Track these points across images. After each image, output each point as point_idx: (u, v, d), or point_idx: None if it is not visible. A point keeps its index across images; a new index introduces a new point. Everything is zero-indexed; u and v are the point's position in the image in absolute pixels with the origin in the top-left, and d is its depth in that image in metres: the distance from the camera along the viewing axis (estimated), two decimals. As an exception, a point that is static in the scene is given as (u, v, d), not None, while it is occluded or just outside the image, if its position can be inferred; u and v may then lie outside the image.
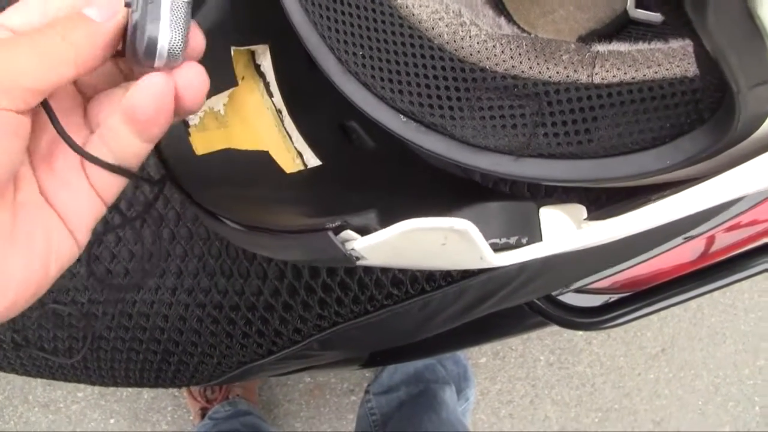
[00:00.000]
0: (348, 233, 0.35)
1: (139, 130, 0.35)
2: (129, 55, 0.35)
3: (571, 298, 0.76)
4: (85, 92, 0.38)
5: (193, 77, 0.35)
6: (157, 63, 0.34)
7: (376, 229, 0.35)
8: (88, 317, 0.66)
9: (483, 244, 0.33)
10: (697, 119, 0.34)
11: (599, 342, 1.72)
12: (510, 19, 0.47)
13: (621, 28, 0.49)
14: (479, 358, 1.70)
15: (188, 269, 0.63)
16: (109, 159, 0.36)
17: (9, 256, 0.33)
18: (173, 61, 0.35)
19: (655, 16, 0.48)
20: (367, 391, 1.38)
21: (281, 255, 0.48)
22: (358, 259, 0.37)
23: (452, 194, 0.49)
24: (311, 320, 0.62)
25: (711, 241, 0.80)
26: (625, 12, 0.49)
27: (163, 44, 0.34)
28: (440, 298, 0.60)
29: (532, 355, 1.72)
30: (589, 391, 1.72)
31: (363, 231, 0.35)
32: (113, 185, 0.37)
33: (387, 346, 0.77)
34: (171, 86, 0.35)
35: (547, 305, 0.72)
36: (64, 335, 0.68)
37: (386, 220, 0.35)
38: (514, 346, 1.71)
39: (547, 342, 1.73)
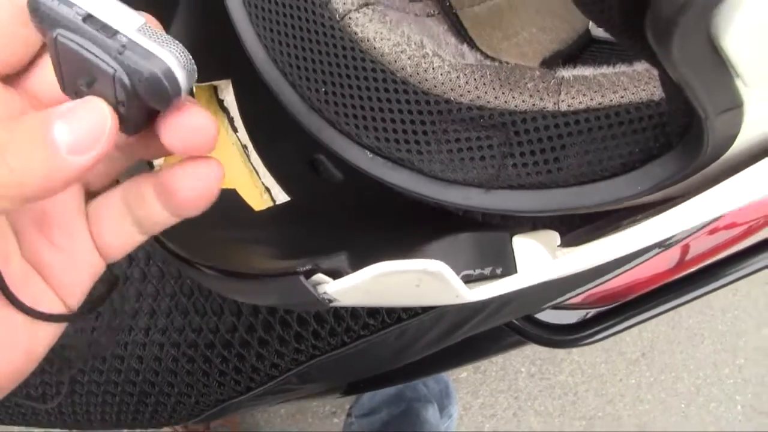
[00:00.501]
0: (319, 276, 0.35)
1: (175, 208, 0.31)
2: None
3: (547, 315, 0.76)
4: None
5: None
6: (174, 102, 0.28)
7: (347, 272, 0.34)
8: (62, 361, 0.65)
9: (457, 283, 0.33)
10: (666, 144, 0.34)
11: (579, 350, 1.72)
12: (473, 45, 0.47)
13: (584, 47, 0.49)
14: (460, 372, 1.69)
15: (161, 308, 0.62)
16: (126, 219, 0.32)
17: None
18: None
19: (617, 35, 0.48)
20: (349, 414, 1.37)
21: (255, 299, 0.47)
22: (330, 302, 0.36)
23: (423, 225, 0.48)
24: (288, 354, 0.61)
25: (686, 249, 0.80)
26: (588, 31, 0.49)
27: (181, 75, 0.27)
28: (417, 325, 0.59)
29: (513, 367, 1.72)
30: (572, 400, 1.72)
31: (334, 274, 0.34)
32: (125, 241, 0.33)
33: (366, 375, 0.76)
34: (222, 172, 0.30)
35: (525, 325, 0.72)
36: (36, 381, 0.67)
37: (357, 262, 0.34)
38: (494, 359, 1.70)
39: (527, 353, 1.73)
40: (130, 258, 0.62)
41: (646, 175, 0.34)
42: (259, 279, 0.37)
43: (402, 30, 0.38)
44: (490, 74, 0.36)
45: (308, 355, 0.61)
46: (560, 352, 1.72)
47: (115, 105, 0.28)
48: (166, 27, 0.49)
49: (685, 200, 0.34)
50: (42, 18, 0.28)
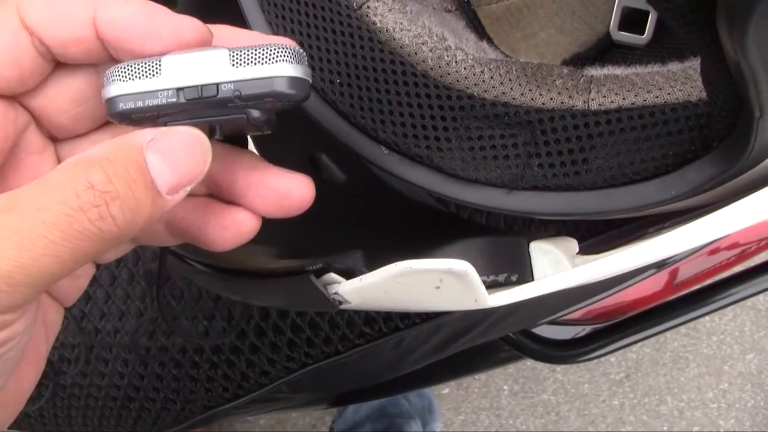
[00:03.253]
0: (331, 276, 0.33)
1: (200, 243, 0.31)
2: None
3: (544, 330, 0.74)
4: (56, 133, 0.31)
5: None
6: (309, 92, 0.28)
7: (362, 272, 0.32)
8: (48, 364, 0.62)
9: (480, 286, 0.31)
10: (702, 147, 0.32)
11: (563, 369, 1.70)
12: (491, 43, 0.45)
13: (604, 51, 0.47)
14: (442, 388, 1.67)
15: (148, 311, 0.60)
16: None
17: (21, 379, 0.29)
18: None
19: (638, 39, 0.46)
20: (331, 429, 1.35)
21: (256, 300, 0.44)
22: (340, 303, 0.34)
23: (431, 228, 0.46)
24: (280, 362, 0.59)
25: (674, 273, 0.79)
26: (608, 35, 0.47)
27: (299, 70, 0.28)
28: (414, 335, 0.58)
29: (495, 385, 1.70)
30: (554, 419, 1.70)
31: (348, 273, 0.32)
32: (119, 248, 0.33)
33: (359, 385, 0.74)
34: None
35: (522, 339, 0.70)
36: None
37: (372, 261, 0.33)
38: (477, 375, 1.68)
39: (510, 370, 1.71)
40: (119, 259, 0.60)
41: (681, 178, 0.32)
42: (264, 278, 0.35)
43: (423, 21, 0.36)
44: (516, 70, 0.35)
45: (300, 363, 0.59)
46: (544, 371, 1.70)
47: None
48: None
49: (716, 208, 0.32)
50: (136, 120, 0.28)
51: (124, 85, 0.27)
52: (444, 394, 1.68)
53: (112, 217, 0.24)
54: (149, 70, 0.27)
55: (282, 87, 0.26)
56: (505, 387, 1.70)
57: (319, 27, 0.37)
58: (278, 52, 0.27)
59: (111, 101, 0.27)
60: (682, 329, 1.73)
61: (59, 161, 0.32)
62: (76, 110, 0.30)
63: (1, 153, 0.28)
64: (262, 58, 0.27)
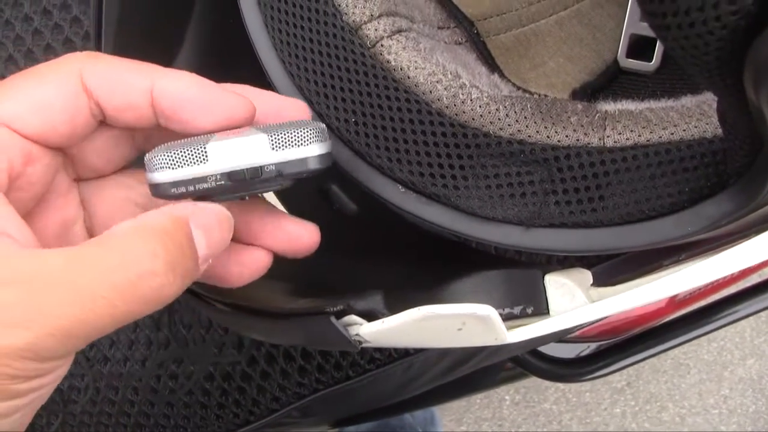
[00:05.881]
0: (352, 318, 0.33)
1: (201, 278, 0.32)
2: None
3: (548, 348, 0.75)
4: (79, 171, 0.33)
5: None
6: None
7: (383, 314, 0.32)
8: (58, 392, 0.62)
9: (502, 327, 0.31)
10: (718, 183, 0.32)
11: (565, 379, 1.70)
12: (502, 75, 0.45)
13: (612, 78, 0.48)
14: (448, 403, 1.67)
15: (158, 339, 0.60)
16: None
17: None
18: None
19: (647, 66, 0.47)
20: (334, 443, 1.34)
21: (275, 338, 0.45)
22: (360, 343, 0.34)
23: (443, 258, 0.46)
24: (290, 388, 0.59)
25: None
26: (616, 62, 0.47)
27: (325, 147, 0.32)
28: (423, 360, 0.58)
29: (497, 395, 1.70)
30: (557, 428, 1.70)
31: (368, 315, 0.33)
32: None
33: (367, 408, 0.74)
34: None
35: (528, 357, 0.71)
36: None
37: (393, 303, 0.33)
38: (479, 389, 1.68)
39: (512, 381, 1.71)
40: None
41: (697, 215, 0.33)
42: (282, 318, 0.35)
43: (436, 59, 0.36)
44: (530, 107, 0.35)
45: (311, 389, 0.59)
46: (545, 381, 1.70)
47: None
48: (172, 58, 0.48)
49: (732, 242, 0.32)
50: (178, 197, 0.30)
51: (173, 173, 0.29)
52: (446, 405, 1.67)
53: (170, 285, 0.26)
54: (196, 157, 0.29)
55: (315, 164, 0.31)
56: (507, 397, 1.70)
57: (333, 66, 0.37)
58: (311, 134, 0.31)
59: (160, 186, 0.30)
60: (683, 336, 1.73)
61: (81, 202, 0.33)
62: (109, 155, 0.32)
63: (37, 197, 0.30)
64: (298, 141, 0.31)
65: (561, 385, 1.71)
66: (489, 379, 0.88)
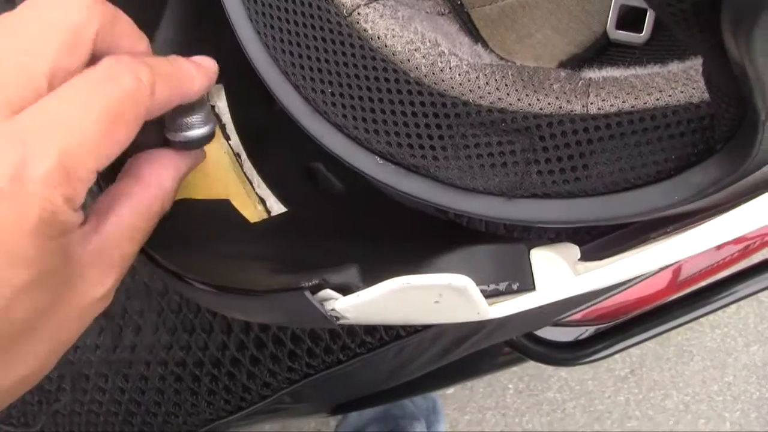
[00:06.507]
0: (327, 292, 0.32)
1: None
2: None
3: (547, 332, 0.74)
4: None
5: None
6: None
7: (358, 287, 0.31)
8: (47, 381, 0.61)
9: (481, 300, 0.30)
10: (706, 149, 0.31)
11: (567, 367, 1.69)
12: (486, 46, 0.44)
13: (602, 51, 0.46)
14: (447, 388, 1.66)
15: (147, 325, 0.59)
16: None
17: None
18: None
19: (637, 37, 0.45)
20: (336, 432, 1.34)
21: (256, 317, 0.44)
22: (338, 319, 0.33)
23: (430, 236, 0.45)
24: (281, 373, 0.58)
25: (678, 270, 0.78)
26: (605, 34, 0.46)
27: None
28: (416, 343, 0.57)
29: (500, 384, 1.70)
30: (560, 416, 1.69)
31: (344, 289, 0.32)
32: None
33: (362, 394, 0.73)
34: None
35: (525, 342, 0.70)
36: (16, 401, 0.63)
37: (368, 276, 0.32)
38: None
39: (514, 369, 1.70)
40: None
41: (684, 182, 0.31)
42: (260, 295, 0.34)
43: (415, 27, 0.35)
44: (512, 75, 0.34)
45: (302, 374, 0.58)
46: (548, 369, 1.69)
47: None
48: (153, 27, 0.46)
49: (720, 212, 0.31)
50: None
51: None
52: (449, 394, 1.67)
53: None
54: None
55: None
56: (510, 386, 1.70)
57: (308, 36, 0.36)
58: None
59: None
60: (686, 323, 1.72)
61: None
62: None
63: None
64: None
65: (564, 374, 1.70)
66: (487, 363, 0.87)
